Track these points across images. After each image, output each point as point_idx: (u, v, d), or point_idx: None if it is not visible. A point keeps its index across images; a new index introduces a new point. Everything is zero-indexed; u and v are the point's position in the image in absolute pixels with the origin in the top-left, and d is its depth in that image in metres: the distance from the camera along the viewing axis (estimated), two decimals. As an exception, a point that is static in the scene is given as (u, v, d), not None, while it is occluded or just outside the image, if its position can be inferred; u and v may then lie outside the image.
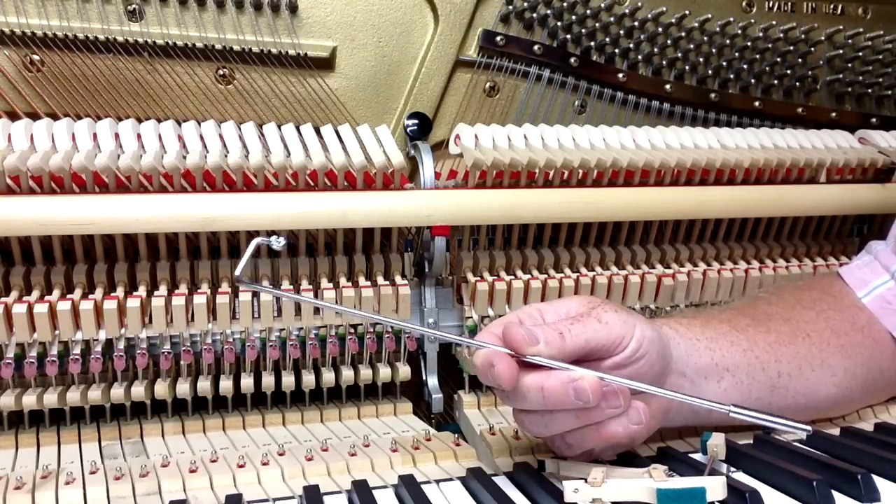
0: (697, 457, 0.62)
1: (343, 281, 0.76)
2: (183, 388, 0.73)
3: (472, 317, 0.79)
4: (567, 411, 0.53)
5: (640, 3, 0.92)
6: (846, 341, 0.68)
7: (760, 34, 0.97)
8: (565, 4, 0.90)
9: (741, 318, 0.66)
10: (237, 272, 0.54)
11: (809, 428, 0.54)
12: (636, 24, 0.93)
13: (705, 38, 0.95)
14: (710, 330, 0.64)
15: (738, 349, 0.63)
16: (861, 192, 0.89)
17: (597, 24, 0.91)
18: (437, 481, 0.60)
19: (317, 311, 0.74)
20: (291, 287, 0.74)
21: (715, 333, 0.63)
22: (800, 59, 0.99)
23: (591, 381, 0.51)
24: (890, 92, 1.03)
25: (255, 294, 0.73)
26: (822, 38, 1.00)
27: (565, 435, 0.56)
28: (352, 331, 0.76)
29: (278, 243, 0.57)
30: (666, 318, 0.64)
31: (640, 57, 0.94)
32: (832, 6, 1.01)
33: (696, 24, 0.94)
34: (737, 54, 0.97)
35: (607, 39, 0.92)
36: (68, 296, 0.70)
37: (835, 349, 0.67)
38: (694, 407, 0.56)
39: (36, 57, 0.77)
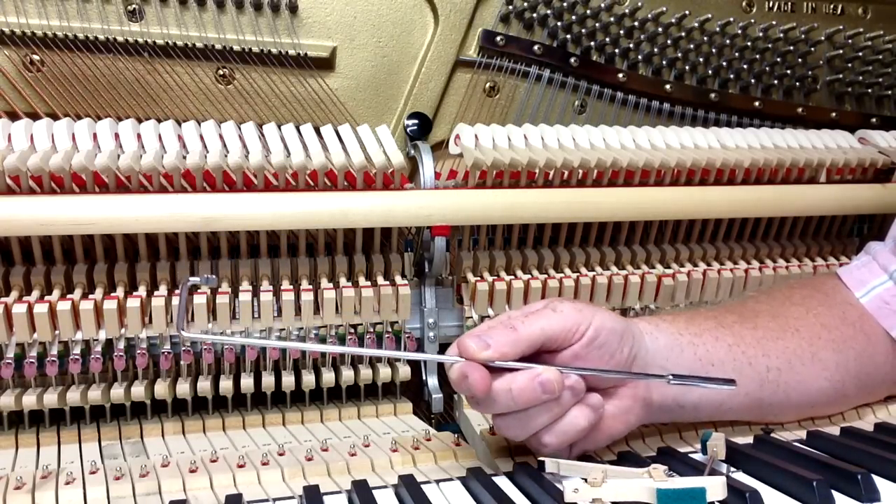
0: (697, 457, 0.62)
1: (343, 281, 0.76)
2: (183, 388, 0.73)
3: (472, 317, 0.79)
4: (537, 408, 0.55)
5: (640, 3, 0.92)
6: (837, 336, 0.68)
7: (760, 34, 0.97)
8: (565, 4, 0.90)
9: (728, 316, 0.67)
10: (176, 323, 0.54)
11: (734, 383, 0.57)
12: (636, 24, 0.93)
13: (705, 38, 0.95)
14: (695, 326, 0.64)
15: (723, 344, 0.63)
16: (861, 192, 0.89)
17: (597, 24, 0.91)
18: (437, 481, 0.60)
19: (317, 311, 0.74)
20: (292, 287, 0.74)
21: (699, 329, 0.64)
22: (800, 59, 0.99)
23: (553, 374, 0.54)
24: (890, 92, 1.03)
25: (256, 294, 0.73)
26: (822, 38, 1.00)
27: (540, 434, 0.57)
28: (352, 331, 0.76)
29: (207, 282, 0.57)
30: (648, 317, 0.65)
31: (640, 57, 0.94)
32: (832, 6, 1.01)
33: (696, 24, 0.94)
34: (737, 54, 0.97)
35: (607, 39, 0.92)
36: (68, 296, 0.70)
37: (825, 343, 0.67)
38: (679, 401, 0.61)
39: (36, 57, 0.77)
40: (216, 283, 0.56)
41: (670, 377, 0.57)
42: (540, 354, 0.56)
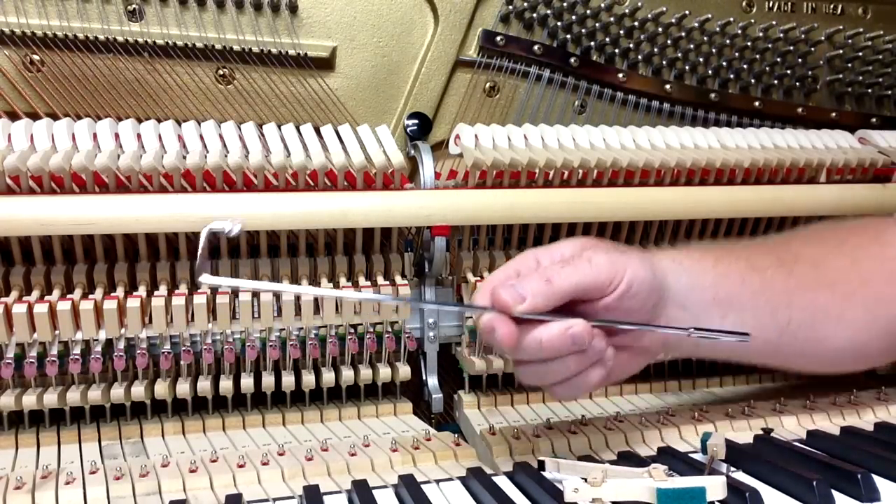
0: (697, 456, 0.62)
1: (343, 281, 0.76)
2: (183, 388, 0.73)
3: (472, 317, 0.79)
4: (561, 360, 0.55)
5: (640, 3, 0.92)
6: (875, 294, 0.65)
7: (760, 34, 0.97)
8: (565, 4, 0.90)
9: (764, 258, 0.64)
10: (198, 271, 0.51)
11: (748, 336, 0.57)
12: (636, 24, 0.93)
13: (705, 38, 0.95)
14: (723, 266, 0.62)
15: (747, 289, 0.62)
16: (861, 192, 0.89)
17: (597, 24, 0.91)
18: (437, 481, 0.60)
19: (317, 311, 0.74)
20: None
21: (727, 270, 0.62)
22: (800, 59, 0.99)
23: (584, 327, 0.54)
24: (890, 92, 1.03)
25: (256, 294, 0.73)
26: (822, 38, 1.00)
27: (554, 386, 0.57)
28: (352, 331, 0.76)
29: (232, 228, 0.54)
30: (676, 251, 0.63)
31: (640, 57, 0.94)
32: (832, 6, 1.01)
33: (696, 24, 0.94)
34: (737, 54, 0.97)
35: (607, 39, 0.92)
36: (68, 296, 0.70)
37: (859, 301, 0.65)
38: (697, 341, 0.59)
39: (36, 57, 0.77)
40: (241, 230, 0.53)
41: (692, 330, 0.57)
42: (569, 303, 0.56)
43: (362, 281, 0.76)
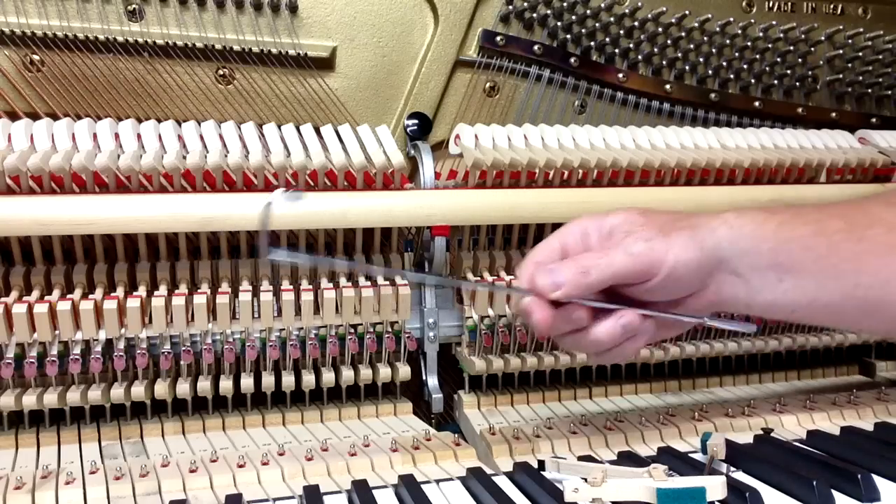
0: (697, 456, 0.62)
1: (343, 281, 0.76)
2: (183, 388, 0.73)
3: (471, 317, 0.79)
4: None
5: (640, 3, 0.92)
6: None
7: (760, 34, 0.97)
8: (565, 4, 0.90)
9: (835, 222, 0.62)
10: (260, 248, 0.52)
11: (755, 328, 0.61)
12: (636, 24, 0.93)
13: (705, 38, 0.95)
14: (786, 231, 0.61)
15: (811, 255, 0.60)
16: (861, 192, 0.89)
17: (597, 24, 0.91)
18: (437, 481, 0.60)
19: (317, 311, 0.74)
20: (292, 287, 0.74)
21: (789, 236, 0.61)
22: (800, 59, 0.99)
23: (633, 316, 0.56)
24: (890, 92, 1.03)
25: (256, 294, 0.73)
26: (822, 38, 1.00)
27: (590, 355, 0.60)
28: (352, 331, 0.76)
29: (293, 196, 0.54)
30: (737, 213, 0.62)
31: (640, 57, 0.94)
32: (832, 6, 1.01)
33: (696, 24, 0.94)
34: (737, 54, 0.97)
35: (607, 39, 0.92)
36: (68, 296, 0.69)
37: None
38: (749, 303, 0.60)
39: (36, 57, 0.77)
40: (301, 196, 0.53)
41: (706, 318, 0.59)
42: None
43: (362, 281, 0.76)
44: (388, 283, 0.76)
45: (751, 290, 0.60)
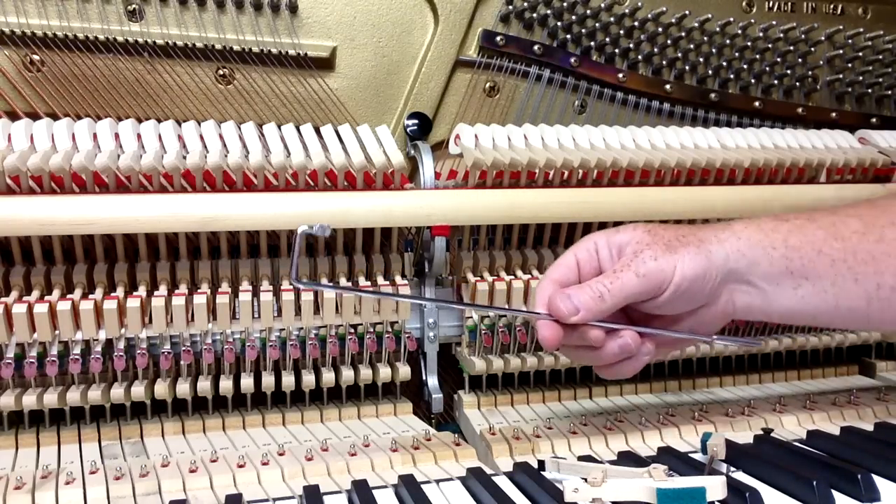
0: (697, 456, 0.62)
1: (343, 281, 0.76)
2: (183, 388, 0.73)
3: (471, 317, 0.79)
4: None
5: (640, 3, 0.92)
6: None
7: (760, 34, 0.97)
8: (565, 4, 0.90)
9: (852, 223, 0.62)
10: (292, 275, 0.55)
11: (759, 343, 0.64)
12: (636, 24, 0.93)
13: (705, 38, 0.95)
14: (796, 237, 0.61)
15: (826, 259, 0.60)
16: (861, 192, 0.89)
17: (597, 24, 0.91)
18: (437, 481, 0.60)
19: (317, 311, 0.74)
20: (292, 287, 0.74)
21: (800, 242, 0.61)
22: (800, 59, 0.99)
23: (632, 337, 0.59)
24: (890, 92, 1.03)
25: (256, 294, 0.73)
26: (822, 38, 1.00)
27: (597, 368, 0.63)
28: (352, 331, 0.76)
29: (324, 231, 0.55)
30: (746, 223, 0.62)
31: (640, 57, 0.94)
32: (832, 6, 1.01)
33: (696, 24, 0.94)
34: (737, 54, 0.97)
35: (607, 39, 0.92)
36: (68, 296, 0.69)
37: None
38: (766, 311, 0.62)
39: (36, 57, 0.77)
40: (330, 232, 0.54)
41: (714, 338, 0.62)
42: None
43: (362, 281, 0.76)
44: (387, 283, 0.76)
45: (766, 299, 0.61)
